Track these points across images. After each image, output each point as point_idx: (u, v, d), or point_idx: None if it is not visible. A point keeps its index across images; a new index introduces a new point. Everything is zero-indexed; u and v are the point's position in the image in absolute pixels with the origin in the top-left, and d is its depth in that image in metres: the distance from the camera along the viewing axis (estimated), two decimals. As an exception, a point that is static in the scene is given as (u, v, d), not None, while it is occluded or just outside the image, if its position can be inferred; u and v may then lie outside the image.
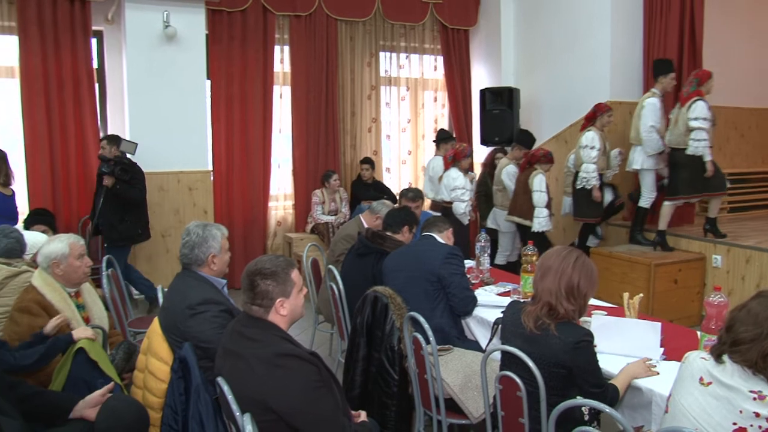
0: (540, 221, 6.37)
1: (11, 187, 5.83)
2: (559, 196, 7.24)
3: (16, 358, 3.07)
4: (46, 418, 2.85)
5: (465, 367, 3.38)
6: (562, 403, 2.38)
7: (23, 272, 3.81)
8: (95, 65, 7.23)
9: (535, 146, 7.07)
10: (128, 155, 6.24)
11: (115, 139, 6.33)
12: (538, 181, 6.37)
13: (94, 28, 7.14)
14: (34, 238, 4.40)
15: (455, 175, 6.49)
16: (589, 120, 6.51)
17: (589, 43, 7.47)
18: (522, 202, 6.51)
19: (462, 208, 6.48)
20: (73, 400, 2.88)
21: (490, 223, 7.16)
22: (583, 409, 2.60)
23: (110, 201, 6.09)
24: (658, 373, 2.83)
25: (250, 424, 2.15)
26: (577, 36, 7.65)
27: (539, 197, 6.36)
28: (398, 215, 4.66)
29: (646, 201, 6.54)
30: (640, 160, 6.42)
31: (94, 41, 7.22)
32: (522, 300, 3.56)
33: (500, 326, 2.98)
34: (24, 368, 3.08)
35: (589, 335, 2.68)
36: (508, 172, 6.85)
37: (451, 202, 6.56)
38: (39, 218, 5.69)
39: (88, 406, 2.85)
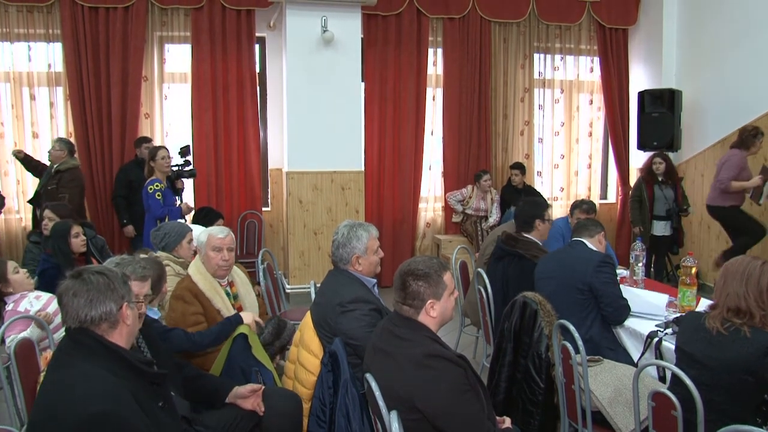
0: None
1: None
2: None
3: (195, 339, 3.30)
4: (205, 400, 3.04)
5: (615, 380, 3.26)
6: (724, 429, 2.19)
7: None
8: (257, 69, 7.62)
9: (699, 152, 6.55)
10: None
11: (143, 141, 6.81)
12: None
13: (257, 34, 7.56)
14: (197, 230, 4.60)
15: None
16: None
17: (761, 40, 6.92)
18: None
19: None
20: (230, 386, 3.04)
21: None
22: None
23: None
24: None
25: (397, 422, 2.17)
26: (749, 32, 7.11)
27: None
28: (525, 210, 4.61)
29: None
30: None
31: (257, 47, 7.61)
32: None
33: (677, 332, 2.87)
34: (203, 347, 3.33)
35: None
36: None
37: None
38: (210, 216, 5.83)
39: (239, 396, 3.00)
